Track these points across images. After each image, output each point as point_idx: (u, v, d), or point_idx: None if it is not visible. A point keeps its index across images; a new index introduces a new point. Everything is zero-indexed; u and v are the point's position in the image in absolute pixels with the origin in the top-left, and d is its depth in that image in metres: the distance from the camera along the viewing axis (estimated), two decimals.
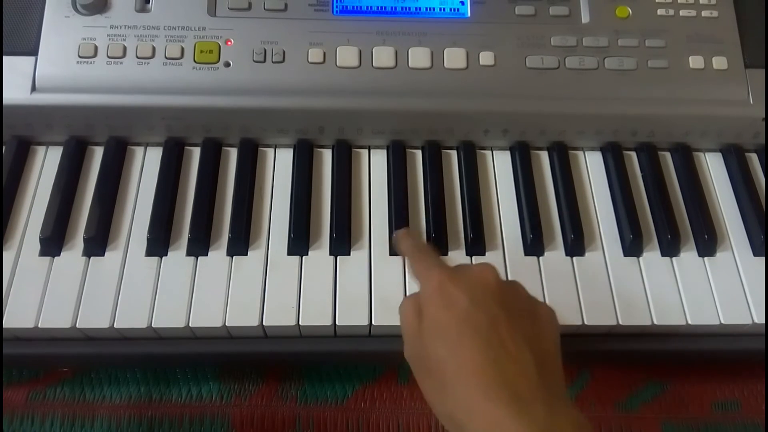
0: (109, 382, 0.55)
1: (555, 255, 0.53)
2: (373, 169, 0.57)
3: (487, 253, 0.53)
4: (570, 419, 0.35)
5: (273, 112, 0.55)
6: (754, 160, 0.60)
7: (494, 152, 0.59)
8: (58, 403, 0.54)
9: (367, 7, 0.57)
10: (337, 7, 0.56)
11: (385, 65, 0.55)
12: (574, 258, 0.53)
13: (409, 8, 0.57)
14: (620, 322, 0.50)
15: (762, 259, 0.54)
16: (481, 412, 0.35)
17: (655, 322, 0.50)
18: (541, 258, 0.53)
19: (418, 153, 0.58)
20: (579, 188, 0.57)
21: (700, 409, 0.56)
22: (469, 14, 0.57)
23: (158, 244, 0.51)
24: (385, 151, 0.58)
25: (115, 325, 0.48)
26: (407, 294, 0.50)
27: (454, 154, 0.59)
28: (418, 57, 0.55)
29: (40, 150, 0.56)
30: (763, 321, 0.50)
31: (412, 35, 0.56)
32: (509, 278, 0.51)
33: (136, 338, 0.49)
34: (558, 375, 0.38)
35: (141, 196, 0.54)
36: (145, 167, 0.56)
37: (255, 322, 0.48)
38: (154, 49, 0.54)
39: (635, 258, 0.53)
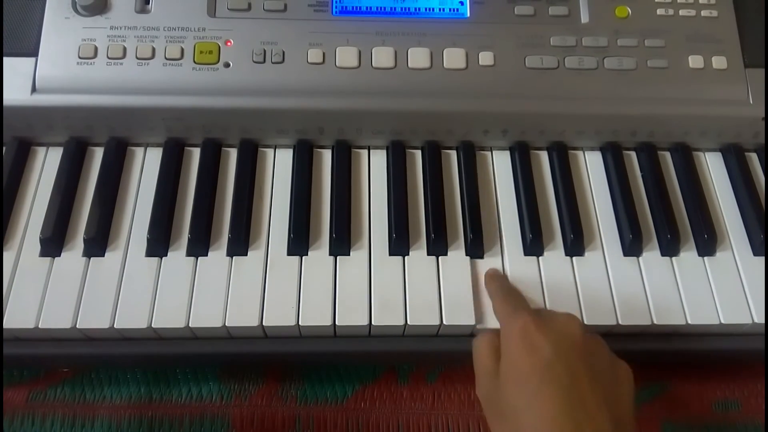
0: (109, 382, 0.55)
1: (555, 255, 0.53)
2: (373, 169, 0.57)
3: (486, 253, 0.53)
4: None
5: (273, 113, 0.55)
6: (754, 159, 0.60)
7: (494, 152, 0.59)
8: (59, 404, 0.54)
9: (367, 8, 0.57)
10: (336, 7, 0.57)
11: (384, 65, 0.55)
12: (574, 258, 0.53)
13: (409, 8, 0.57)
14: (620, 322, 0.50)
15: (762, 259, 0.53)
16: None
17: (655, 322, 0.50)
18: (540, 258, 0.53)
19: (418, 153, 0.58)
20: (579, 188, 0.57)
21: (700, 409, 0.56)
22: (468, 14, 0.57)
23: (158, 244, 0.51)
24: (384, 151, 0.58)
25: (115, 326, 0.48)
26: (407, 293, 0.50)
27: (453, 154, 0.59)
28: (418, 57, 0.55)
29: (41, 151, 0.57)
30: (763, 321, 0.50)
31: (411, 35, 0.56)
32: (510, 279, 0.51)
33: (136, 338, 0.49)
34: None
35: (141, 197, 0.54)
36: (145, 168, 0.56)
37: (255, 322, 0.48)
38: (153, 49, 0.54)
39: (635, 258, 0.53)
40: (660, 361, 0.56)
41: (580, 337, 0.39)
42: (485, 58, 0.56)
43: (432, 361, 0.56)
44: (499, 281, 0.49)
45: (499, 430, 0.39)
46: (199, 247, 0.51)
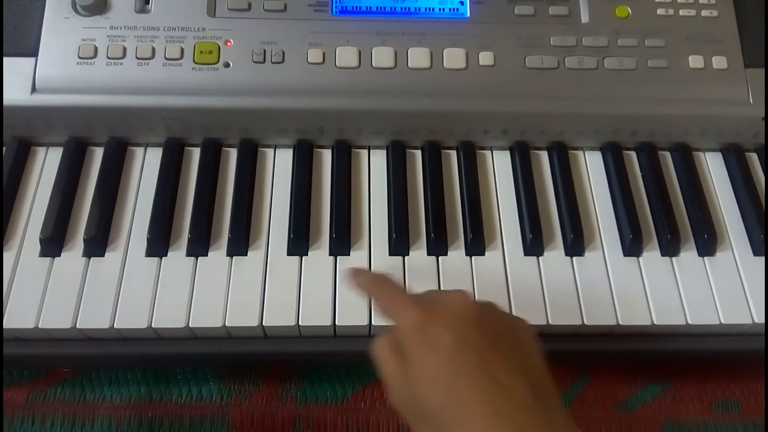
0: (109, 382, 0.55)
1: (555, 255, 0.53)
2: (373, 169, 0.57)
3: (487, 253, 0.53)
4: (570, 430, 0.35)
5: (273, 113, 0.55)
6: (754, 159, 0.60)
7: (494, 152, 0.59)
8: (59, 404, 0.54)
9: (367, 8, 0.57)
10: (336, 7, 0.56)
11: (384, 65, 0.55)
12: (574, 258, 0.53)
13: (409, 8, 0.57)
14: (620, 322, 0.50)
15: (762, 259, 0.53)
16: None
17: (655, 322, 0.50)
18: (540, 258, 0.53)
19: (418, 153, 0.58)
20: (579, 188, 0.57)
21: (700, 409, 0.56)
22: (468, 14, 0.57)
23: (158, 244, 0.51)
24: (384, 151, 0.58)
25: (115, 326, 0.48)
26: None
27: (453, 154, 0.59)
28: (418, 57, 0.55)
29: (41, 151, 0.57)
30: (763, 321, 0.50)
31: (411, 35, 0.56)
32: (509, 278, 0.51)
33: (136, 338, 0.49)
34: (550, 387, 0.37)
35: (141, 197, 0.54)
36: (145, 168, 0.56)
37: (255, 322, 0.48)
38: (153, 49, 0.54)
39: (635, 258, 0.53)
40: (660, 361, 0.56)
41: (473, 310, 0.38)
42: (485, 58, 0.56)
43: None
44: (364, 274, 0.46)
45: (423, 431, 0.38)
46: (199, 247, 0.51)
